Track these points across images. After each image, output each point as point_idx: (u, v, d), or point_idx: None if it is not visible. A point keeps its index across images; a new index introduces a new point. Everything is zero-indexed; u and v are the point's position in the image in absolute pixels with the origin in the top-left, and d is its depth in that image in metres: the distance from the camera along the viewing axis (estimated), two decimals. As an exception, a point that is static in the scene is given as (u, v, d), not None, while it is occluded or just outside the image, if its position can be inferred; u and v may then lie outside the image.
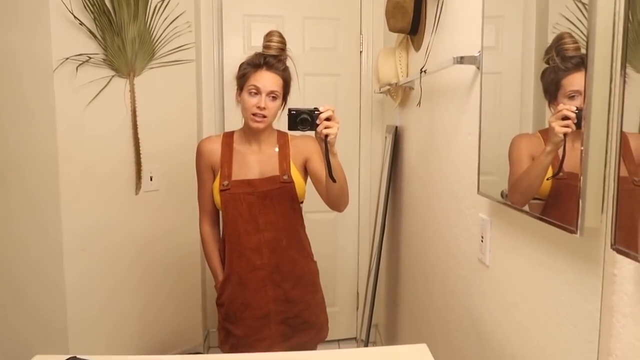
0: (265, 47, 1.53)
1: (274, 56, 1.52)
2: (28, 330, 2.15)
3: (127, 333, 2.39)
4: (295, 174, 1.58)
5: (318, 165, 1.57)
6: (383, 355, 1.29)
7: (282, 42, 1.54)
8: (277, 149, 1.60)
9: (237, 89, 1.56)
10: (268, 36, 1.55)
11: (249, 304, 1.55)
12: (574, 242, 0.86)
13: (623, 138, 0.70)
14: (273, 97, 1.51)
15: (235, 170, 1.55)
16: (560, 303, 0.93)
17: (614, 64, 0.75)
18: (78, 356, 1.13)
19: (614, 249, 0.69)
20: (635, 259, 0.66)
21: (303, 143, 1.62)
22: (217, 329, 1.68)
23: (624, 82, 0.69)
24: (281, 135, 1.63)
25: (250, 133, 1.58)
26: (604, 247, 0.77)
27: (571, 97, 0.84)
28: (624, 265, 0.73)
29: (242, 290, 1.55)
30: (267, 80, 1.50)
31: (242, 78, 1.51)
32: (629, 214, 0.68)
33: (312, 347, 1.66)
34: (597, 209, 0.78)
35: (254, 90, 1.49)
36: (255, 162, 1.57)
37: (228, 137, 1.61)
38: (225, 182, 1.53)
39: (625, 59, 0.70)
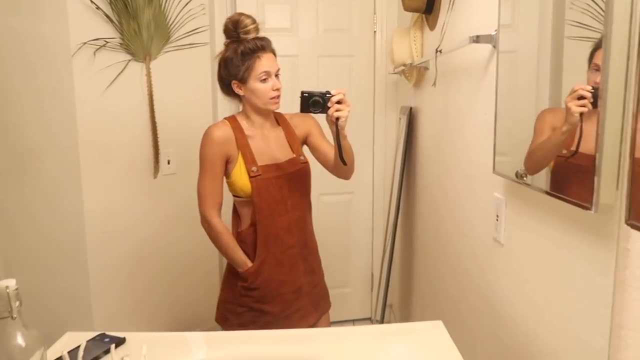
0: (244, 32, 1.49)
1: (262, 38, 1.52)
2: (54, 311, 2.21)
3: (148, 313, 2.45)
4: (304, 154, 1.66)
5: (318, 139, 1.65)
6: (399, 331, 1.32)
7: (256, 22, 1.51)
8: (281, 130, 1.64)
9: (236, 82, 1.52)
10: (240, 23, 1.49)
11: (285, 280, 1.60)
12: (589, 219, 0.87)
13: None
14: (277, 75, 1.54)
15: (257, 155, 1.55)
16: (574, 279, 0.94)
17: (631, 42, 0.75)
18: (107, 333, 1.18)
19: (628, 224, 0.70)
20: (649, 233, 0.67)
21: (302, 120, 1.67)
22: (238, 313, 1.61)
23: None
24: (277, 115, 1.66)
25: (257, 117, 1.58)
26: (618, 223, 0.78)
27: (594, 70, 0.84)
28: (638, 240, 0.74)
29: (278, 270, 1.59)
30: (272, 61, 1.52)
31: (248, 70, 1.49)
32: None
33: (328, 313, 1.78)
34: (612, 185, 0.79)
35: (264, 76, 1.50)
36: (266, 145, 1.59)
37: (235, 122, 1.58)
38: (254, 168, 1.53)
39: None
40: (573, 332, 0.95)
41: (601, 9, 0.82)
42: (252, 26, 1.49)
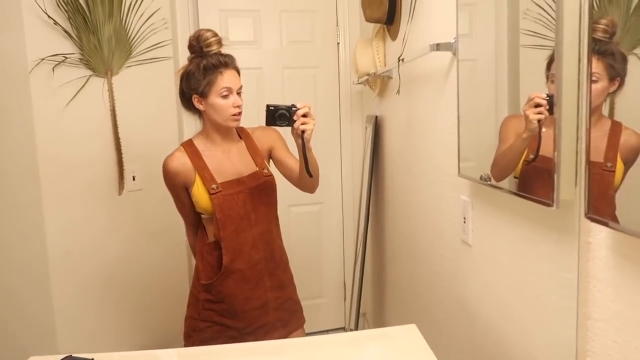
0: (206, 46, 1.49)
1: (226, 54, 1.52)
2: (16, 334, 2.13)
3: (116, 334, 2.38)
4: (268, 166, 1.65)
5: (283, 153, 1.64)
6: (373, 337, 1.32)
7: (217, 35, 1.52)
8: (243, 143, 1.63)
9: (197, 96, 1.50)
10: (201, 36, 1.49)
11: (250, 297, 1.58)
12: (551, 215, 0.91)
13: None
14: (239, 92, 1.53)
15: (215, 173, 1.55)
16: (540, 275, 0.97)
17: (581, 49, 0.79)
18: (74, 355, 1.14)
19: (587, 218, 0.73)
20: (607, 225, 0.70)
21: (264, 134, 1.66)
22: (201, 328, 1.60)
23: (591, 68, 0.73)
24: (239, 129, 1.65)
25: (217, 134, 1.58)
26: (578, 218, 0.82)
27: (552, 81, 0.87)
28: (597, 233, 0.77)
29: (244, 285, 1.57)
30: (234, 78, 1.51)
31: (209, 84, 1.48)
32: (601, 186, 0.72)
33: (302, 329, 1.74)
34: (570, 182, 0.82)
35: (225, 92, 1.49)
36: (228, 160, 1.58)
37: (191, 146, 1.58)
38: (214, 186, 1.52)
39: (590, 38, 0.73)
40: (541, 327, 0.98)
41: (552, 18, 0.86)
42: (213, 39, 1.49)
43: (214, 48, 1.49)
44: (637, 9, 0.68)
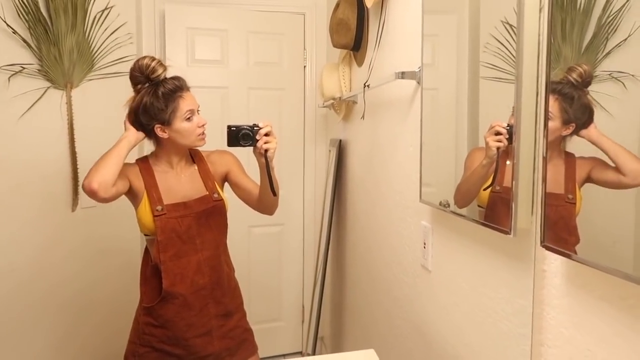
0: (151, 72, 1.44)
1: (176, 77, 1.50)
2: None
3: (60, 353, 2.26)
4: (221, 191, 1.61)
5: (239, 176, 1.61)
6: (332, 362, 1.31)
7: (157, 59, 1.47)
8: (195, 167, 1.60)
9: (160, 125, 1.46)
10: (142, 66, 1.44)
11: (192, 324, 1.54)
12: (508, 243, 0.93)
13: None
14: (199, 111, 1.52)
15: (164, 194, 1.51)
16: (497, 301, 0.99)
17: (539, 81, 0.83)
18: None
19: (543, 246, 0.76)
20: (561, 254, 0.73)
21: (220, 157, 1.63)
22: (141, 354, 1.53)
23: (547, 99, 0.77)
24: (194, 152, 1.62)
25: (175, 156, 1.55)
26: (534, 246, 0.84)
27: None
28: (552, 261, 0.80)
29: (187, 312, 1.53)
30: (193, 99, 1.50)
31: (173, 111, 1.45)
32: (564, 217, 0.75)
33: (255, 357, 1.68)
34: (527, 211, 0.85)
35: (189, 115, 1.47)
36: (178, 183, 1.55)
37: (144, 162, 1.55)
38: (159, 207, 1.48)
39: (549, 78, 0.77)
40: (497, 353, 1.00)
41: (510, 53, 0.90)
42: (154, 63, 1.44)
43: (160, 72, 1.45)
44: (588, 48, 0.72)
